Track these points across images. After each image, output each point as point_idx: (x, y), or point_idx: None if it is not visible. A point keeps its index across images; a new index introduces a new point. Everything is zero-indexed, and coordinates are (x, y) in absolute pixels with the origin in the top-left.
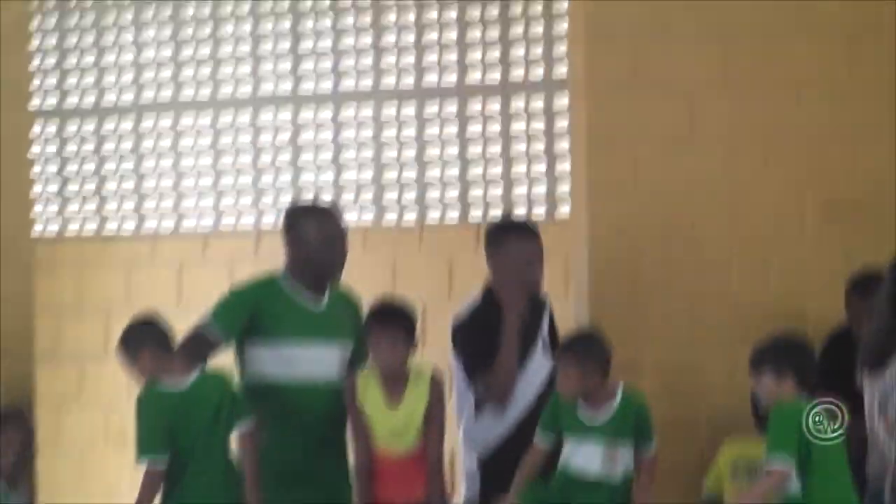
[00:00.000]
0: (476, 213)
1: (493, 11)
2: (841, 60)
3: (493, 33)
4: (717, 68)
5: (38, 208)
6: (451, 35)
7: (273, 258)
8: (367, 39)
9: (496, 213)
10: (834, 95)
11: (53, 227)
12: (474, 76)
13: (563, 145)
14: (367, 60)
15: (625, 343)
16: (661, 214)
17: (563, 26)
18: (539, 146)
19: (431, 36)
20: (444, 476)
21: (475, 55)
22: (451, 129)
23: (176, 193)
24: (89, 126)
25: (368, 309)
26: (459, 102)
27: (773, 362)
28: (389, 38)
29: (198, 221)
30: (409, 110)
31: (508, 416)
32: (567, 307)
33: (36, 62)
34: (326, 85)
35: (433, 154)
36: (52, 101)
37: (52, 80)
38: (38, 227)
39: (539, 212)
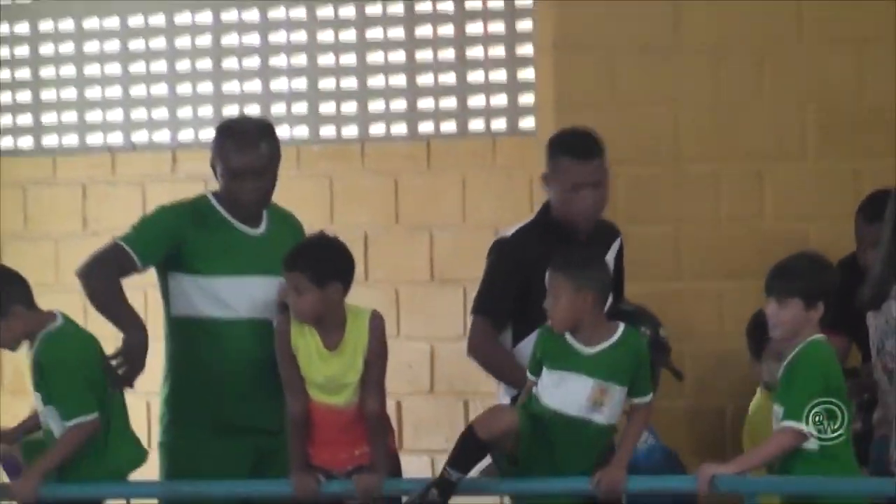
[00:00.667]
0: (426, 127)
1: None
2: None
3: None
4: None
5: None
6: None
7: (192, 178)
8: None
9: (448, 127)
10: None
11: None
12: None
13: (526, 49)
14: None
15: None
16: (640, 130)
17: None
18: (499, 51)
19: None
20: (388, 433)
21: None
22: (397, 32)
23: (80, 105)
24: None
25: None
26: (406, 0)
27: (802, 289)
28: None
29: (105, 136)
30: (349, 10)
31: None
32: None
33: None
34: None
35: (376, 60)
36: None
37: None
38: None
39: (499, 126)
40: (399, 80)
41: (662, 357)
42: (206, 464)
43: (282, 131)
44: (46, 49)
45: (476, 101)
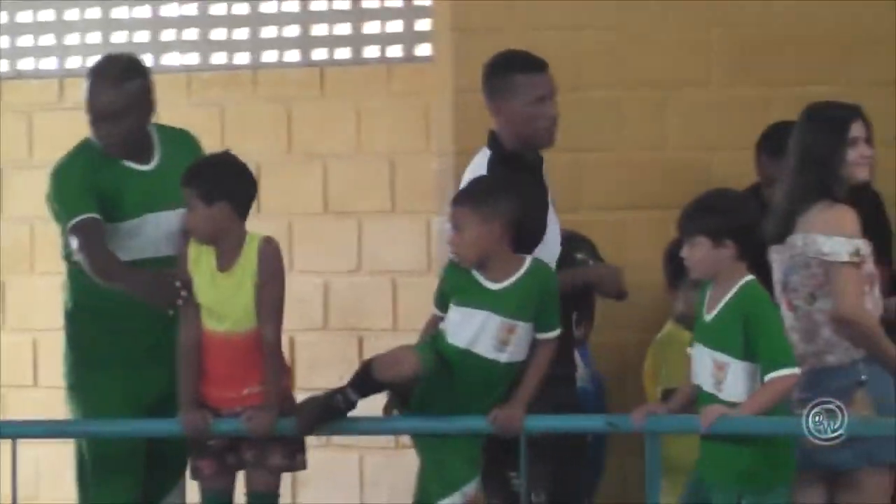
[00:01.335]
0: (320, 53)
1: None
2: None
3: None
4: None
5: None
6: None
7: (79, 107)
8: None
9: (343, 53)
10: None
11: None
12: None
13: None
14: None
15: None
16: (540, 55)
17: None
18: None
19: None
20: (280, 367)
21: None
22: None
23: None
24: None
25: None
26: None
27: (706, 227)
28: None
29: None
30: None
31: None
32: (429, 161)
33: None
34: None
35: None
36: None
37: None
38: None
39: (394, 52)
40: (292, 5)
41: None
42: (113, 403)
43: (172, 58)
44: None
45: (371, 27)
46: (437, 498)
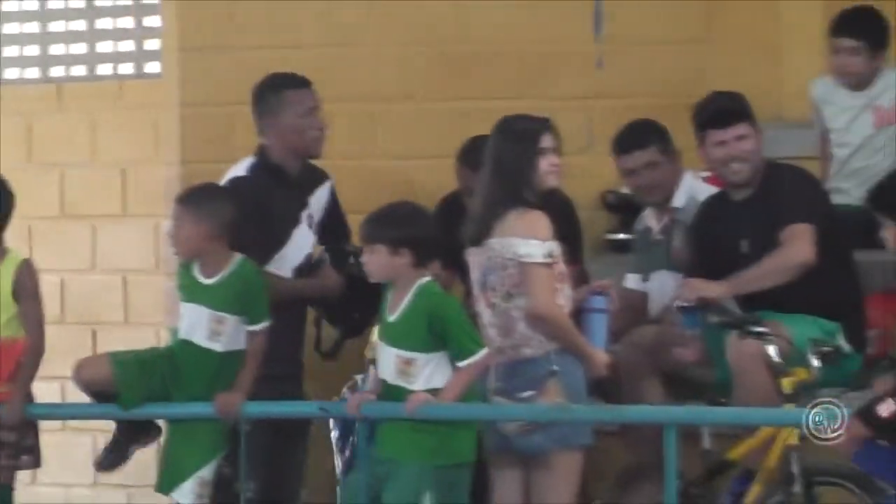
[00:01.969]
0: (57, 71)
1: None
2: None
3: None
4: None
5: None
6: None
7: None
8: None
9: (79, 70)
10: None
11: None
12: None
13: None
14: None
15: None
16: (258, 72)
17: None
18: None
19: None
20: (31, 370)
21: None
22: None
23: None
24: None
25: None
26: None
27: (385, 237)
28: None
29: None
30: None
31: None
32: (157, 169)
33: None
34: None
35: (10, 8)
36: None
37: None
38: None
39: (126, 70)
40: (32, 27)
41: None
42: None
43: None
44: None
45: (104, 46)
46: (175, 482)
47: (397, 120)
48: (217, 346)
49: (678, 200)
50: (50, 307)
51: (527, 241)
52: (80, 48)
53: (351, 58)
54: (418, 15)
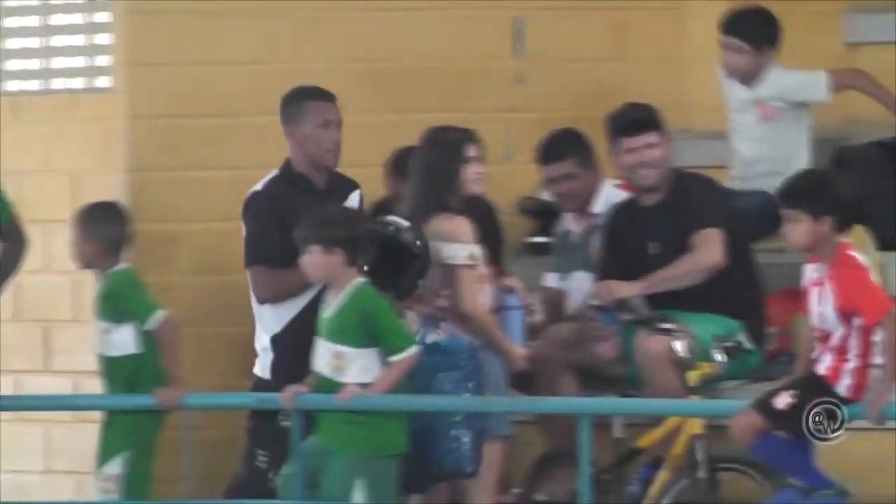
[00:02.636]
0: (14, 85)
1: None
2: None
3: None
4: None
5: None
6: None
7: None
8: None
9: (34, 84)
10: None
11: None
12: None
13: (103, 16)
14: None
15: (166, 217)
16: (203, 87)
17: None
18: (78, 17)
19: None
20: None
21: None
22: None
23: None
24: None
25: None
26: None
27: (316, 237)
28: None
29: None
30: None
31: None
32: (107, 178)
33: None
34: None
35: None
36: None
37: None
38: None
39: (78, 84)
40: None
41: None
42: None
43: None
44: None
45: (58, 62)
46: (103, 463)
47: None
48: (110, 352)
49: (597, 207)
50: (5, 306)
51: (450, 245)
52: (34, 64)
53: (286, 72)
54: (350, 32)
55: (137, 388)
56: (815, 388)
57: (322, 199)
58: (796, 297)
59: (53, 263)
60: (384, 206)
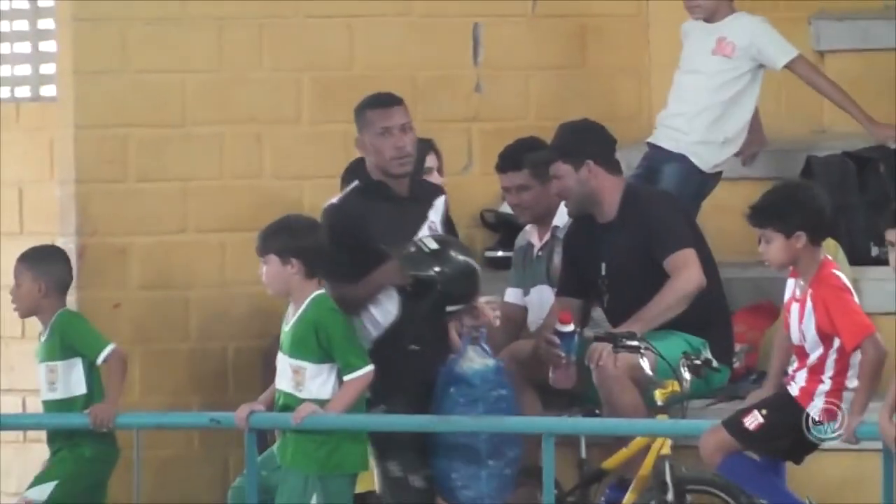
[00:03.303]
0: None
1: None
2: None
3: None
4: None
5: None
6: None
7: None
8: None
9: None
10: None
11: None
12: None
13: (48, 24)
14: None
15: (114, 229)
16: (151, 95)
17: None
18: (23, 25)
19: None
20: None
21: None
22: None
23: None
24: None
25: None
26: None
27: (273, 248)
28: None
29: None
30: None
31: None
32: (52, 189)
33: None
34: None
35: None
36: None
37: None
38: None
39: (23, 93)
40: None
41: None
42: None
43: None
44: None
45: (3, 70)
46: (31, 486)
47: (285, 141)
48: (55, 395)
49: (559, 219)
50: None
51: None
52: None
53: (237, 81)
54: (307, 39)
55: (79, 435)
56: (785, 408)
57: (403, 206)
58: (763, 312)
59: (1, 278)
60: None
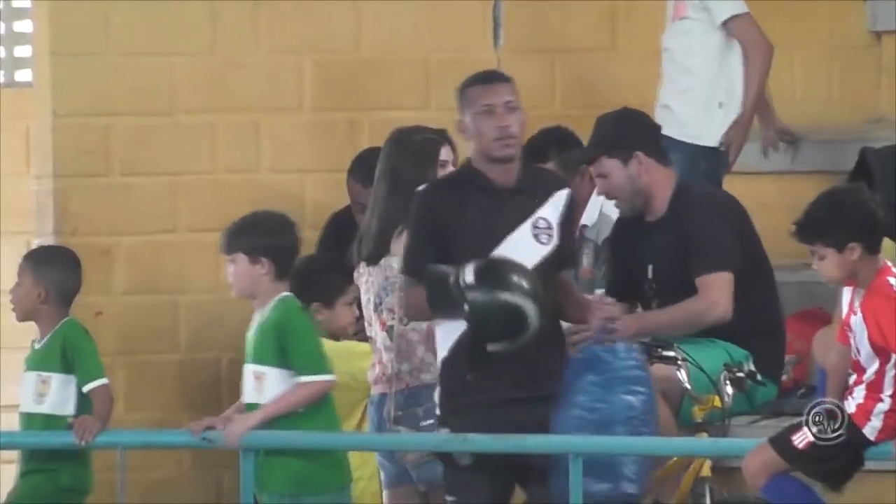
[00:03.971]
0: None
1: None
2: None
3: None
4: None
5: None
6: None
7: None
8: None
9: None
10: None
11: None
12: None
13: (23, 2)
14: None
15: (97, 228)
16: (136, 80)
17: None
18: None
19: None
20: None
21: None
22: None
23: None
24: None
25: None
26: None
27: (240, 246)
28: None
29: None
30: None
31: None
32: (27, 187)
33: None
34: None
35: None
36: None
37: None
38: None
39: None
40: None
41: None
42: None
43: None
44: None
45: None
46: None
47: (285, 131)
48: (41, 409)
49: (587, 218)
50: None
51: None
52: None
53: (231, 65)
54: (310, 18)
55: (58, 460)
56: None
57: (502, 199)
58: (813, 320)
59: None
60: (344, 216)
